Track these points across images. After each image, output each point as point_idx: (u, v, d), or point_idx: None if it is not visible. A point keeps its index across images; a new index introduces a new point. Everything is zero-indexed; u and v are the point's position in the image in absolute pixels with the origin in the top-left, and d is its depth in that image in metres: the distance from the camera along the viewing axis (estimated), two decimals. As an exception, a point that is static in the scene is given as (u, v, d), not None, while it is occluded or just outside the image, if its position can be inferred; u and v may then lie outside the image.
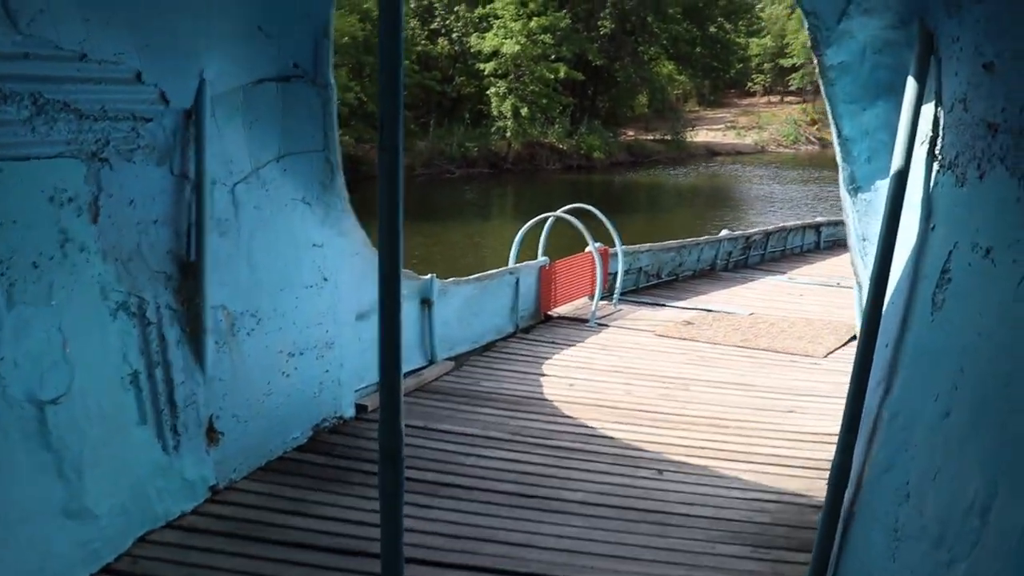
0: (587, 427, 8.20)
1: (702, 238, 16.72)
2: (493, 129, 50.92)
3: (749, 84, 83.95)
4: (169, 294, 6.14)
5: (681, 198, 44.27)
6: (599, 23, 56.07)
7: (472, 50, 52.08)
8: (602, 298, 12.73)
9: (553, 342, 11.21)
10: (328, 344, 7.85)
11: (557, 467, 7.26)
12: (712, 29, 65.37)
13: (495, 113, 50.85)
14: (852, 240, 7.08)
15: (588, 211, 13.37)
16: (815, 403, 8.92)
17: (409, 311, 9.64)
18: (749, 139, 69.54)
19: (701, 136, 67.23)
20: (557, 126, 51.93)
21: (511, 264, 12.24)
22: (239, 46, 6.27)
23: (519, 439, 7.86)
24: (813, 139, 72.20)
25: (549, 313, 12.39)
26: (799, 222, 19.79)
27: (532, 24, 49.56)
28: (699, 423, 8.31)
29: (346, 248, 7.94)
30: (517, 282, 11.62)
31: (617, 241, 13.42)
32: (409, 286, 9.55)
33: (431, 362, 9.93)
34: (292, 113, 6.83)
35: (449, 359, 10.20)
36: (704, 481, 7.03)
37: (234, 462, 6.80)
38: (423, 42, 53.50)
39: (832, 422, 8.27)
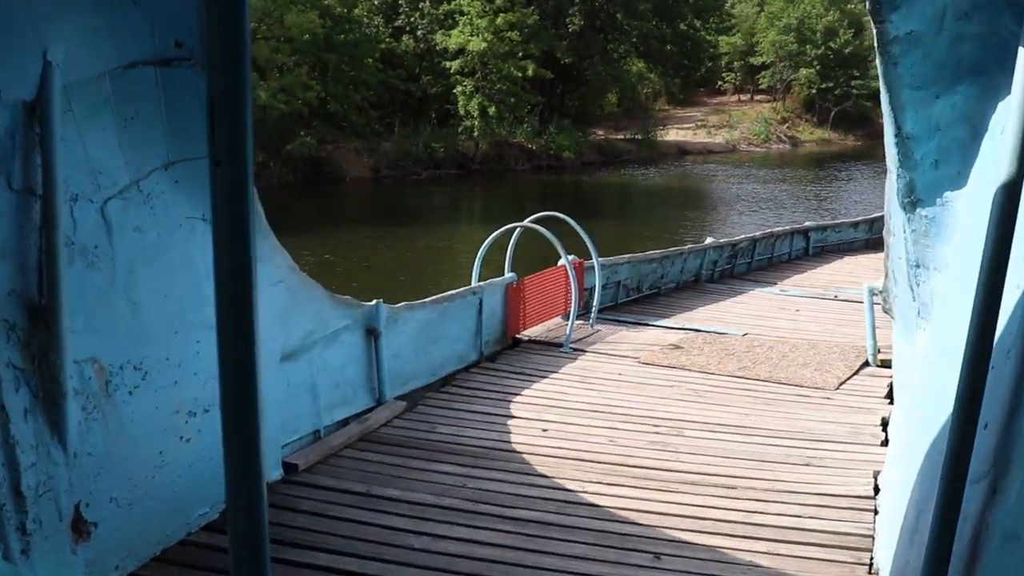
0: (564, 490, 6.73)
1: (686, 247, 15.28)
2: (460, 129, 49.72)
3: (719, 82, 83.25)
4: (12, 349, 4.59)
5: (655, 199, 42.97)
6: (568, 20, 54.78)
7: (438, 48, 50.72)
8: (577, 317, 11.26)
9: (523, 372, 9.74)
10: (244, 394, 6.34)
11: (528, 550, 5.78)
12: (682, 27, 64.20)
13: (462, 112, 49.58)
14: (897, 263, 5.66)
15: (559, 219, 11.86)
16: (835, 452, 7.47)
17: (352, 344, 8.16)
18: (720, 138, 68.87)
19: (672, 135, 66.37)
20: (526, 125, 50.67)
21: (474, 282, 10.76)
22: (97, 18, 4.68)
23: (481, 510, 6.37)
24: (784, 137, 71.70)
25: (518, 337, 10.92)
26: (787, 227, 18.40)
27: (499, 21, 48.26)
28: (699, 484, 6.84)
29: (265, 276, 6.43)
30: (481, 303, 10.13)
31: (593, 253, 11.95)
32: (351, 315, 8.06)
33: (379, 402, 8.46)
34: (180, 108, 5.23)
35: (402, 397, 8.73)
36: (712, 569, 5.57)
37: (115, 557, 5.28)
38: (387, 39, 52.17)
39: (860, 479, 6.86)
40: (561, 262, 11.53)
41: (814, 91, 75.29)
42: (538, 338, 11.02)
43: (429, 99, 53.08)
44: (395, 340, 8.70)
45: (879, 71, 4.32)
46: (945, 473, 3.50)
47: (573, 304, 11.07)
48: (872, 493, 6.57)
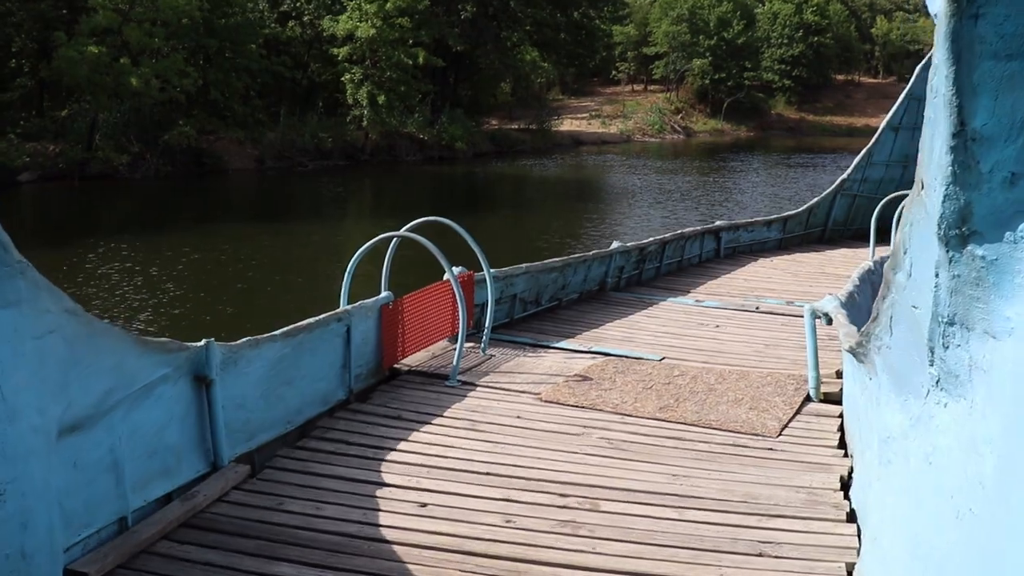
0: (446, 606, 5.00)
1: (590, 253, 13.58)
2: (349, 118, 47.91)
3: (613, 72, 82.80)
4: None
5: (552, 191, 41.60)
6: (459, 7, 53.22)
7: (325, 34, 48.65)
8: (467, 339, 9.50)
9: (400, 416, 7.96)
10: (-8, 496, 4.49)
11: None
12: (576, 15, 63.19)
13: (350, 101, 47.71)
14: (905, 311, 4.04)
15: (444, 224, 9.99)
16: (791, 531, 5.85)
17: (174, 397, 6.28)
18: (614, 128, 68.41)
19: (566, 125, 65.65)
20: (417, 115, 49.00)
21: (343, 303, 8.94)
22: None
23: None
24: (678, 128, 71.55)
25: (396, 367, 9.15)
26: (697, 228, 16.91)
27: (388, 6, 46.41)
28: (627, 592, 5.17)
29: (21, 327, 4.55)
30: (348, 330, 8.32)
31: (484, 264, 10.19)
32: (170, 361, 6.18)
33: (214, 468, 6.62)
34: None
35: (247, 456, 6.92)
36: None
37: None
38: (272, 25, 49.97)
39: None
40: (446, 276, 9.77)
41: (707, 82, 75.26)
42: (420, 368, 9.26)
43: (316, 87, 51.14)
44: (235, 386, 6.87)
45: (941, 33, 2.67)
46: None
47: (461, 327, 9.33)
48: (850, 604, 4.99)
